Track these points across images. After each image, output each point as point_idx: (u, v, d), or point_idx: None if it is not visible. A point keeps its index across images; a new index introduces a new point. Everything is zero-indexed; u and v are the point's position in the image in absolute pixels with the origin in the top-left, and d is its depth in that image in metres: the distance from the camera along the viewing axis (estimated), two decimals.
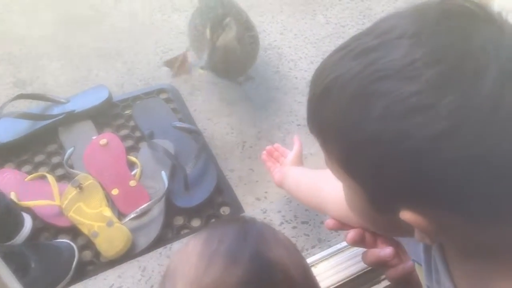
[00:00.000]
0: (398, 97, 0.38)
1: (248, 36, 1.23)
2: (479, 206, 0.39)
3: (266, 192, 1.13)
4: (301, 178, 0.93)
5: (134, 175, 1.13)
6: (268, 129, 1.27)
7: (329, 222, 0.80)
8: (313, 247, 1.01)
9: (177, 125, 1.24)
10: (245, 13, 1.29)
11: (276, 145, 1.09)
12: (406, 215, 0.42)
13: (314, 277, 0.57)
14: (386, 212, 0.45)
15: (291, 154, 1.01)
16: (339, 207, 0.77)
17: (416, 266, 0.64)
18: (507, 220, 0.40)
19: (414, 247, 0.63)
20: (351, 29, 1.51)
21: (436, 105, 0.37)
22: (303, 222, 1.06)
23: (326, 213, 0.84)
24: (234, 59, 1.21)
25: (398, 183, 0.41)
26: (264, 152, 1.08)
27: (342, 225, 0.79)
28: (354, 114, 0.41)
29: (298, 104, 1.32)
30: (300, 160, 1.01)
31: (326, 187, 0.83)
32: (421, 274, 0.62)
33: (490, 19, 0.40)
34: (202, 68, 1.15)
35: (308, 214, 1.06)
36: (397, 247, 0.73)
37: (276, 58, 1.45)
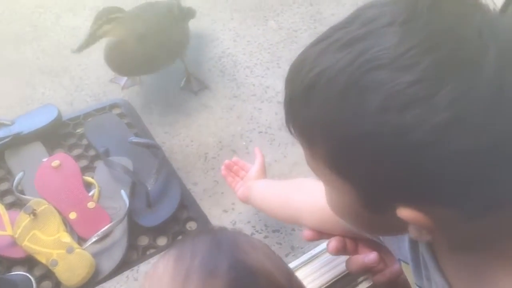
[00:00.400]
0: (394, 89, 0.35)
1: (160, 39, 1.22)
2: (486, 196, 0.37)
3: (233, 204, 1.09)
4: (268, 191, 0.91)
5: (92, 196, 1.07)
6: (229, 138, 1.24)
7: (307, 233, 0.77)
8: (287, 255, 0.99)
9: (134, 140, 1.19)
10: (169, 20, 1.29)
11: (234, 158, 1.05)
12: (404, 213, 0.40)
13: (299, 280, 0.54)
14: (380, 211, 0.43)
15: (254, 168, 0.98)
16: (315, 216, 0.75)
17: (403, 265, 0.62)
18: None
19: (399, 246, 0.61)
20: (304, 33, 1.50)
21: (436, 95, 0.35)
22: (274, 231, 1.04)
23: (300, 223, 0.81)
24: (126, 55, 1.19)
25: (398, 179, 0.38)
26: (223, 167, 1.04)
27: (320, 235, 0.77)
28: (347, 109, 0.38)
29: (258, 111, 1.29)
30: (264, 173, 0.98)
31: (297, 197, 0.81)
32: (408, 272, 0.60)
33: (479, 3, 0.39)
34: (72, 50, 1.13)
35: (278, 222, 1.03)
36: (381, 250, 0.71)
37: (231, 65, 1.43)
